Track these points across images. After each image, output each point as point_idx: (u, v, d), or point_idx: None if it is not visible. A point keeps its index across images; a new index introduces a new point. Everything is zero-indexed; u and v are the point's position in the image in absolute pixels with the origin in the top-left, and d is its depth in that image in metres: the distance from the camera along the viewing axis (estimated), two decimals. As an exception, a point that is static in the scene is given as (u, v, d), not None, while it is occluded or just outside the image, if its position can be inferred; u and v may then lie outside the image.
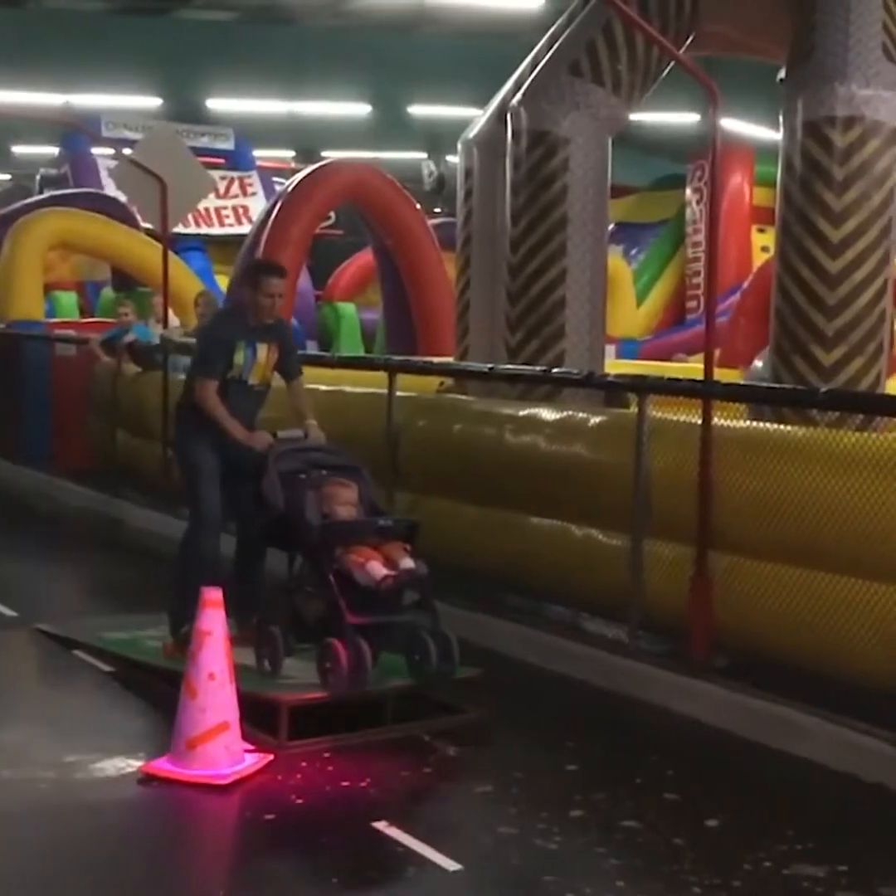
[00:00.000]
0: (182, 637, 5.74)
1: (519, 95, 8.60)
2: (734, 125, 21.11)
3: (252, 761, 4.93)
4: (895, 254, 7.28)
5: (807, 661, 5.50)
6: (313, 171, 14.55)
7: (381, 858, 4.21)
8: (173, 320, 12.11)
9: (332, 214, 18.96)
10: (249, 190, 20.88)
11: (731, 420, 6.13)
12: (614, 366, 10.66)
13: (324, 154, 20.60)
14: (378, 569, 5.38)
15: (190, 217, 16.23)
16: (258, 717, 5.13)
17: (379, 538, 5.60)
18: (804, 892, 4.00)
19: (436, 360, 9.92)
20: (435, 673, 5.38)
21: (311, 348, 17.01)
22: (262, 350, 6.15)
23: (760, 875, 4.09)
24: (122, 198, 14.85)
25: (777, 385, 7.08)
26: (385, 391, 7.72)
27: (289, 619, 5.65)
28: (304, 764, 4.98)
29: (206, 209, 19.55)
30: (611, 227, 13.22)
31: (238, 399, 6.10)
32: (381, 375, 7.89)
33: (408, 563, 5.46)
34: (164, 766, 4.86)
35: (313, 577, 5.61)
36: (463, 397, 8.36)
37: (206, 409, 6.04)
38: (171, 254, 11.49)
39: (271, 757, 5.00)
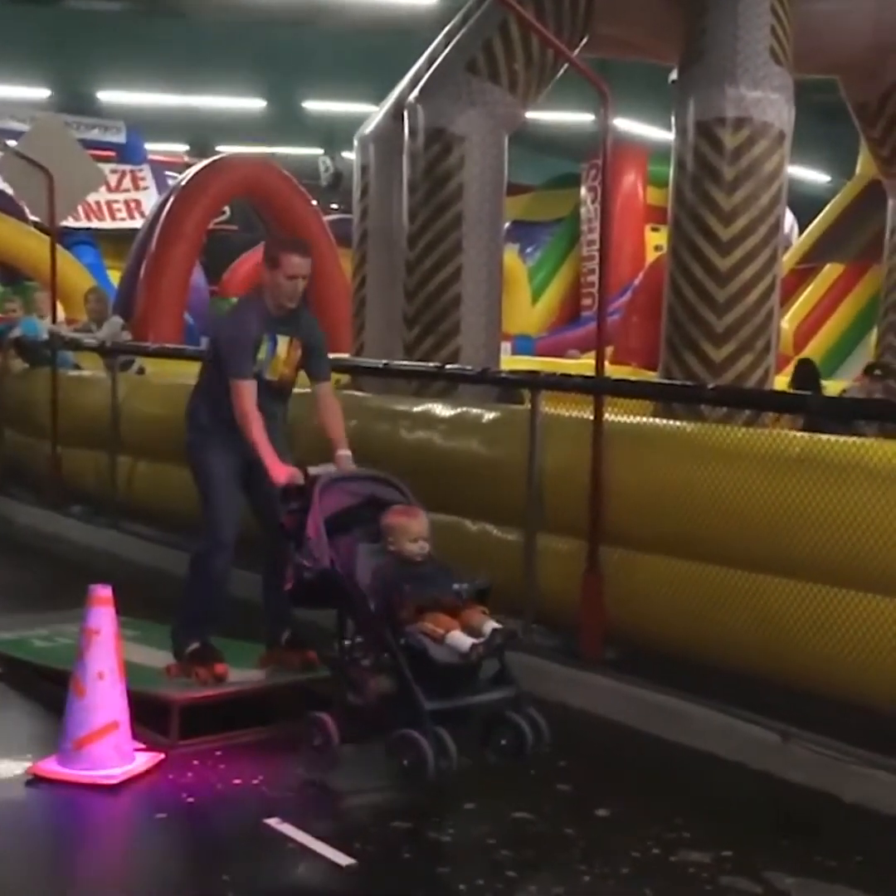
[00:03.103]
0: (188, 657, 5.53)
1: (416, 92, 8.62)
2: (628, 125, 21.39)
3: (142, 761, 4.86)
4: (782, 253, 7.45)
5: (695, 652, 5.58)
6: (207, 166, 14.44)
7: (274, 855, 4.18)
8: (61, 316, 11.87)
9: (227, 209, 18.80)
10: (142, 184, 20.58)
11: (630, 416, 6.18)
12: (509, 362, 10.77)
13: (218, 148, 20.41)
14: (462, 639, 4.48)
15: (80, 211, 15.93)
16: (149, 717, 5.06)
17: (452, 600, 4.66)
18: (690, 878, 4.07)
19: (331, 355, 9.86)
20: (527, 757, 4.61)
21: (206, 344, 16.80)
22: (283, 344, 5.54)
23: (648, 862, 4.16)
24: (9, 190, 14.54)
25: (667, 381, 7.19)
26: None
27: (343, 701, 4.69)
28: (195, 762, 4.92)
29: (97, 203, 19.22)
30: (507, 225, 13.31)
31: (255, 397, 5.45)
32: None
33: (491, 625, 4.58)
34: (52, 766, 4.77)
35: (371, 648, 4.63)
36: (358, 393, 8.34)
37: (242, 418, 5.32)
38: (59, 248, 11.27)
39: (162, 756, 4.94)
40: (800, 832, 4.47)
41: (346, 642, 4.77)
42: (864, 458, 5.07)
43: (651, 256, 19.60)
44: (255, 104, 24.35)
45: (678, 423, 6.28)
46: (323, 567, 4.74)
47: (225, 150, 18.89)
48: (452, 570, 4.79)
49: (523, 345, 18.93)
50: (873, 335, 12.34)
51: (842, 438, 5.37)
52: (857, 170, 18.10)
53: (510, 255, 18.13)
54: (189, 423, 5.75)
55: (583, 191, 21.42)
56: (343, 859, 4.11)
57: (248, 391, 5.34)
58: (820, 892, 4.03)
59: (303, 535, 4.81)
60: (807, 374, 9.70)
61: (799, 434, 5.71)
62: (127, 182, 20.51)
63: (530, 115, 8.88)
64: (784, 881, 4.07)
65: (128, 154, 21.13)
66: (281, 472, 5.19)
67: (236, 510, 5.59)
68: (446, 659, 4.43)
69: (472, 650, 4.44)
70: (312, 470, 5.17)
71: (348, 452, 5.37)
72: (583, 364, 11.79)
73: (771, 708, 5.15)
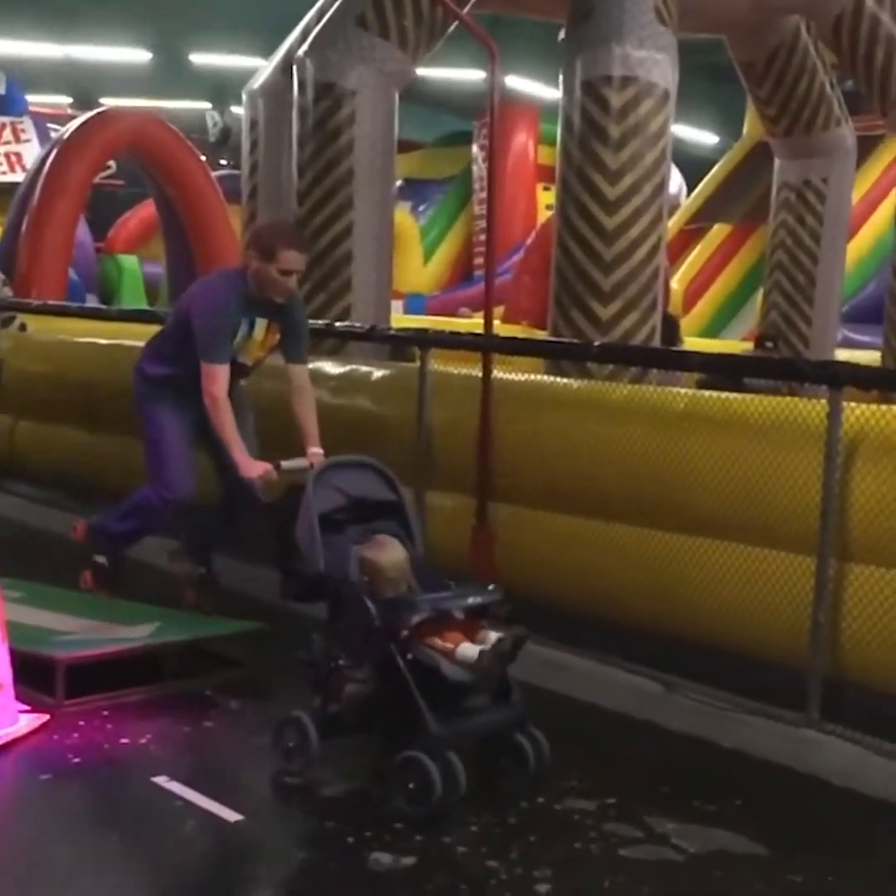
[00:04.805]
0: (92, 566, 5.68)
1: (305, 46, 8.51)
2: (521, 84, 21.37)
3: (27, 722, 4.79)
4: (667, 212, 7.54)
5: (583, 606, 5.67)
6: (91, 119, 14.12)
7: (161, 813, 4.16)
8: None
9: (112, 164, 18.42)
10: (23, 136, 20.03)
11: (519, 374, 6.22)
12: (401, 321, 10.73)
13: (102, 101, 19.93)
14: (471, 648, 4.22)
15: (-41, 163, 15.50)
16: (34, 677, 4.99)
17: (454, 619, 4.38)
18: (575, 825, 4.15)
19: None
20: (528, 778, 4.40)
21: (92, 302, 16.51)
22: (261, 327, 5.33)
23: (534, 811, 4.23)
24: None
25: (553, 339, 7.25)
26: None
27: (321, 705, 4.42)
28: (81, 723, 4.87)
29: (-24, 155, 18.72)
30: (398, 182, 13.25)
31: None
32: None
33: (494, 635, 4.31)
34: (-68, 730, 4.69)
35: (362, 661, 4.34)
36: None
37: (212, 404, 5.12)
38: (-62, 200, 10.96)
39: (47, 717, 4.87)
40: (680, 778, 4.58)
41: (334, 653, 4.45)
42: (745, 413, 5.19)
43: (543, 216, 19.68)
44: (140, 56, 23.82)
45: (565, 380, 6.34)
46: (317, 570, 4.47)
47: (109, 103, 18.45)
48: (450, 585, 4.56)
49: (415, 304, 18.92)
50: (760, 295, 12.57)
51: (724, 394, 5.48)
52: (745, 130, 18.36)
53: (402, 214, 18.07)
54: (137, 375, 5.55)
55: (474, 149, 21.40)
56: (231, 815, 4.11)
57: (221, 376, 5.14)
58: (699, 835, 4.14)
59: (293, 539, 4.53)
60: (667, 328, 9.83)
61: (683, 390, 5.81)
62: (7, 134, 19.94)
63: (422, 71, 8.83)
64: (665, 826, 4.18)
65: (8, 105, 20.52)
66: (252, 467, 5.02)
67: (188, 467, 5.38)
68: (458, 677, 4.20)
69: (481, 657, 4.19)
70: (285, 464, 5.01)
71: (320, 450, 5.20)
72: (474, 323, 11.81)
73: (655, 660, 5.26)
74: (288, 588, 4.70)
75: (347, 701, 4.34)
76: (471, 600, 4.41)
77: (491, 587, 4.53)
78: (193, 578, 5.87)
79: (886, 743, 4.53)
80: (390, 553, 4.52)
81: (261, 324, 5.30)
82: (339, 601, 4.45)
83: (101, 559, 5.75)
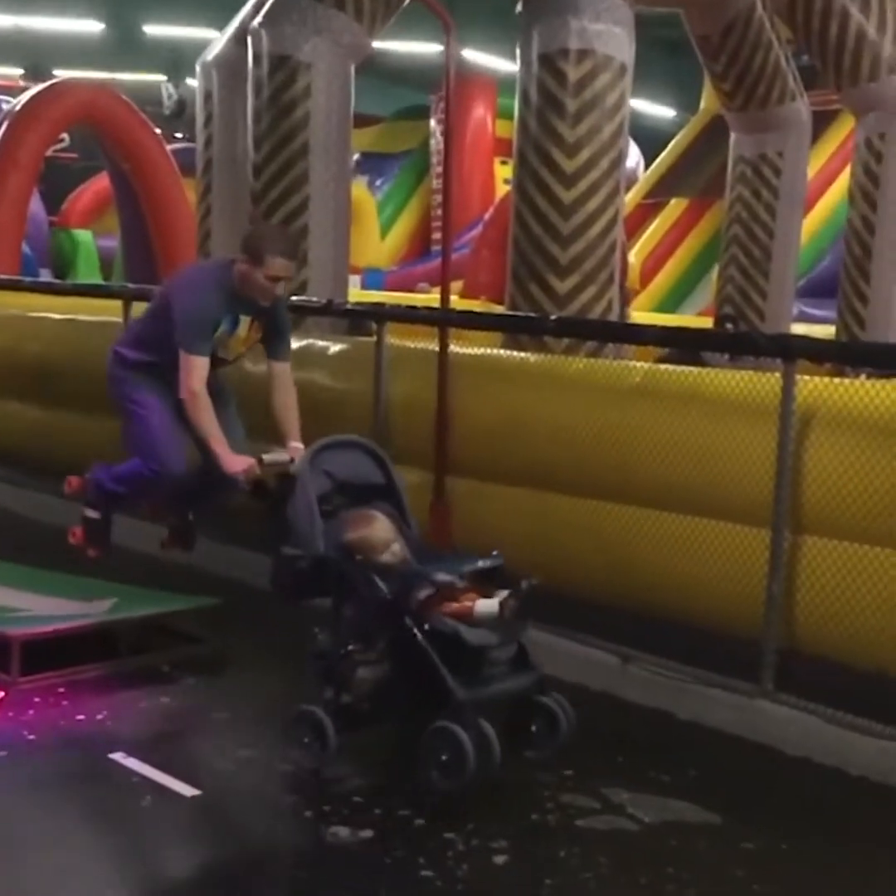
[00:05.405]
0: (82, 519, 5.51)
1: (260, 17, 8.42)
2: (478, 57, 21.27)
3: (-19, 699, 4.78)
4: (625, 186, 7.54)
5: (539, 579, 5.68)
6: (43, 90, 13.96)
7: (118, 789, 4.16)
8: None
9: (66, 136, 18.23)
10: (-26, 108, 19.79)
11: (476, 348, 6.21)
12: (359, 295, 10.72)
13: (55, 73, 19.68)
14: (490, 603, 4.14)
15: None
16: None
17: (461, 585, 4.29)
18: (532, 797, 4.19)
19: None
20: (560, 743, 4.30)
21: (45, 277, 16.34)
22: (244, 324, 5.20)
23: (491, 783, 4.24)
24: None
25: (509, 313, 7.26)
26: (121, 320, 7.51)
27: (333, 696, 4.27)
28: (37, 699, 4.85)
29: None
30: (356, 156, 13.18)
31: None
32: (117, 304, 7.66)
33: (503, 592, 4.21)
34: None
35: (375, 641, 4.23)
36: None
37: (191, 398, 4.98)
38: None
39: (2, 694, 4.85)
40: (636, 749, 4.63)
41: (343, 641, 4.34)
42: (700, 386, 5.21)
43: (501, 190, 19.64)
44: (93, 27, 23.48)
45: (522, 354, 6.35)
46: (317, 552, 4.37)
47: (62, 74, 18.21)
48: (452, 555, 4.53)
49: (373, 278, 18.85)
50: (716, 269, 12.62)
51: (679, 368, 5.51)
52: (702, 104, 18.38)
53: (359, 188, 17.98)
54: (114, 358, 5.42)
55: (432, 123, 21.30)
56: (188, 790, 4.12)
57: (200, 369, 4.99)
58: (655, 805, 4.19)
59: (286, 524, 4.44)
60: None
61: (639, 364, 5.82)
62: (-42, 106, 19.69)
63: (379, 44, 8.77)
64: (621, 796, 4.22)
65: (-42, 76, 20.30)
66: (234, 463, 4.91)
67: (178, 446, 5.23)
68: (479, 640, 4.09)
69: (502, 608, 4.10)
70: (267, 458, 4.92)
71: (301, 445, 5.05)
72: (432, 298, 11.79)
73: (612, 632, 5.30)
74: (282, 579, 4.54)
75: (360, 686, 4.21)
76: (480, 564, 4.34)
77: (494, 553, 4.44)
78: (174, 525, 5.78)
79: (838, 712, 4.59)
80: (376, 527, 4.43)
81: (244, 321, 5.21)
82: (343, 584, 4.32)
83: (92, 513, 5.50)
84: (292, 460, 4.91)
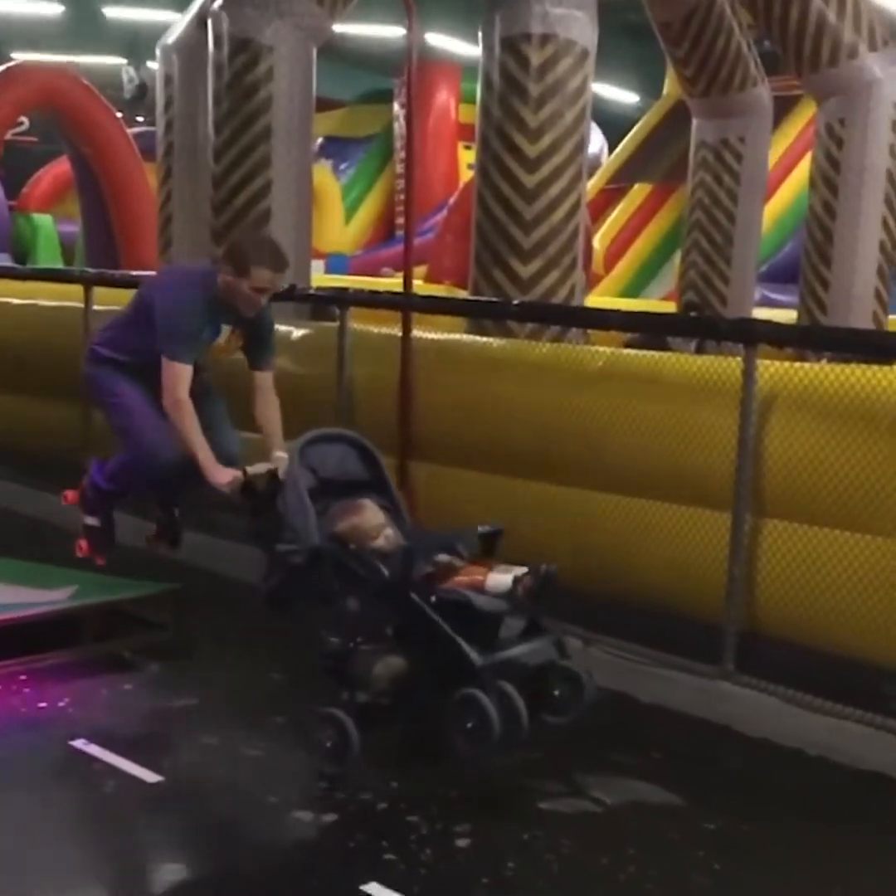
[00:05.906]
0: (83, 528, 5.43)
1: (220, 0, 8.36)
2: (441, 41, 21.20)
3: (-58, 687, 4.75)
4: (587, 171, 7.54)
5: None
6: (1, 74, 13.79)
7: (80, 776, 4.15)
8: None
9: (25, 120, 18.05)
10: (-69, 91, 19.52)
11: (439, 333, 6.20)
12: (322, 280, 10.65)
13: (13, 56, 19.46)
14: (502, 578, 4.07)
15: None
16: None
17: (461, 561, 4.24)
18: (495, 780, 4.23)
19: (135, 272, 9.63)
20: (583, 707, 4.21)
21: (5, 262, 16.20)
22: (225, 332, 5.08)
23: (454, 767, 4.24)
24: None
25: (472, 297, 7.25)
26: (82, 305, 7.46)
27: (350, 696, 4.17)
28: (-2, 687, 4.84)
29: None
30: (319, 141, 13.12)
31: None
32: (78, 289, 7.61)
33: (517, 568, 4.14)
34: None
35: (382, 628, 4.16)
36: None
37: (174, 406, 4.86)
38: None
39: (-37, 682, 4.83)
40: (599, 733, 4.63)
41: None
42: (662, 371, 5.23)
43: (465, 175, 19.59)
44: (51, 9, 23.19)
45: (485, 339, 6.35)
46: (312, 544, 4.29)
47: (20, 57, 18.02)
48: (446, 534, 4.46)
49: (337, 263, 18.76)
50: (679, 254, 12.65)
51: (641, 352, 5.53)
52: (665, 90, 18.40)
53: (322, 172, 17.90)
54: (91, 356, 5.30)
55: (396, 107, 21.21)
56: (151, 776, 4.11)
57: (183, 376, 4.87)
58: (618, 787, 4.21)
59: (277, 522, 4.38)
60: None
61: (602, 349, 5.84)
62: (-86, 89, 19.42)
63: (341, 28, 8.72)
64: (584, 779, 4.25)
65: (-87, 59, 20.03)
66: (218, 474, 4.78)
67: (166, 428, 5.05)
68: (491, 607, 4.02)
69: (515, 584, 4.03)
70: (251, 469, 4.80)
71: (285, 455, 4.87)
72: (396, 283, 11.76)
73: (574, 615, 5.30)
74: (275, 579, 4.43)
75: (376, 683, 4.11)
76: (480, 530, 4.28)
77: (492, 524, 4.38)
78: (161, 520, 5.73)
79: (799, 693, 4.63)
80: (366, 515, 4.39)
81: (225, 330, 5.10)
82: (341, 575, 4.23)
83: (92, 520, 5.43)
84: (276, 471, 4.75)
